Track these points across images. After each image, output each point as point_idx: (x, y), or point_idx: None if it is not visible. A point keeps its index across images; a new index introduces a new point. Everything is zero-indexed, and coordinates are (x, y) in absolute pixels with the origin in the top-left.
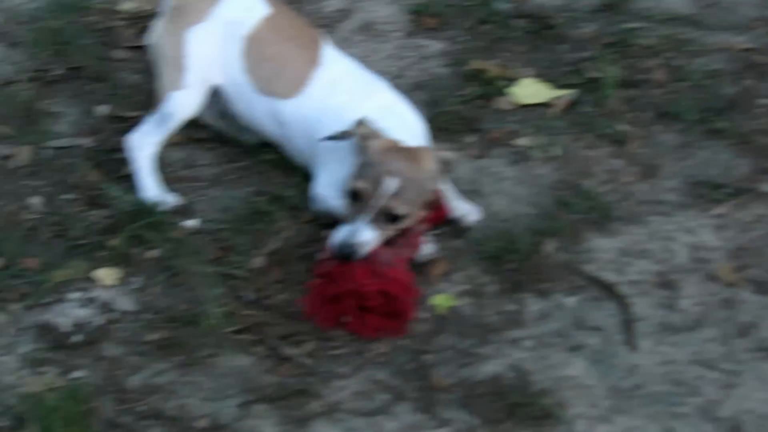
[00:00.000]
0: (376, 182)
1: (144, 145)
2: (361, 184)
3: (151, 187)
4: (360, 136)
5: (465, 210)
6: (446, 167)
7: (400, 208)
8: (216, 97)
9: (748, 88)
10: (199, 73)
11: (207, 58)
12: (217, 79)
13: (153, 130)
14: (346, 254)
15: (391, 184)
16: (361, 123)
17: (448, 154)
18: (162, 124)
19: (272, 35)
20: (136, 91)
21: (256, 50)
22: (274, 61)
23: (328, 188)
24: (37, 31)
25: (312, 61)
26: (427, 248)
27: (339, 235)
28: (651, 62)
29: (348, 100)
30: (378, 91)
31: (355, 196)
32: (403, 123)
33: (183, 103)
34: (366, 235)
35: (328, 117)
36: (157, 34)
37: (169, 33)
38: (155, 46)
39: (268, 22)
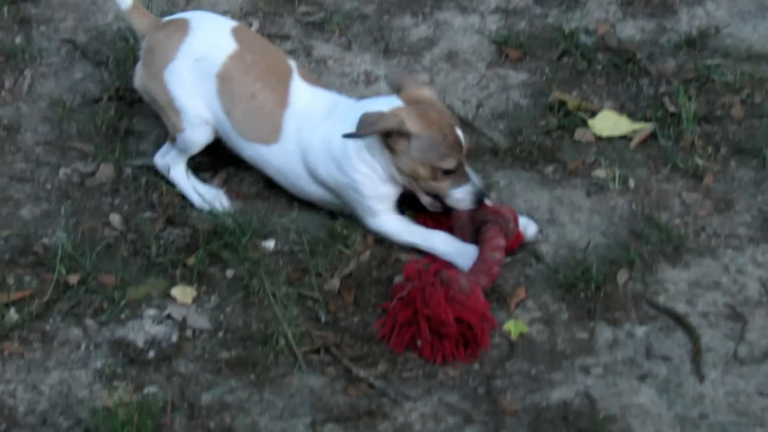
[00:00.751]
0: (455, 145)
1: (172, 164)
2: (451, 162)
3: (197, 197)
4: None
5: (522, 224)
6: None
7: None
8: None
9: None
10: (195, 110)
11: (193, 96)
12: (210, 118)
13: (176, 156)
14: (480, 200)
15: (459, 131)
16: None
17: (422, 77)
18: (182, 153)
19: (240, 74)
20: None
21: (229, 90)
22: (245, 103)
23: (396, 227)
24: (122, 50)
25: (281, 102)
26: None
27: (464, 197)
28: (729, 98)
29: (322, 132)
30: (340, 105)
31: (448, 173)
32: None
33: (192, 140)
34: (476, 178)
35: (312, 154)
36: (140, 77)
37: (150, 76)
38: (142, 90)
39: (235, 60)
